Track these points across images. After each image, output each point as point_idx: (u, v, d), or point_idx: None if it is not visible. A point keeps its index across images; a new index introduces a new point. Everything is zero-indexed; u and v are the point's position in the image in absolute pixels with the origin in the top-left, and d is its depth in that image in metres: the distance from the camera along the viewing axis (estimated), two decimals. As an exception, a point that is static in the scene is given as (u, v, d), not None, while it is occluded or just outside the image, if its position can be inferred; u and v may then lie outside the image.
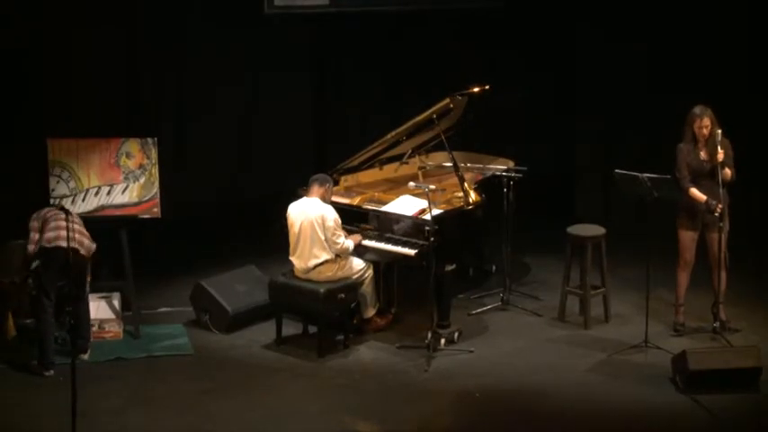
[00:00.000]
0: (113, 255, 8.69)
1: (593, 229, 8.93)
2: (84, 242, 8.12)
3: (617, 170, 8.29)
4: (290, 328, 8.70)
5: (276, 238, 8.75)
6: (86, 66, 9.99)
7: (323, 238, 8.34)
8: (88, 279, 8.25)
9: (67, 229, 7.56)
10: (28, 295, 8.43)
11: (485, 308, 9.22)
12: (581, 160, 11.23)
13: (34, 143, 8.97)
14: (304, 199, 8.50)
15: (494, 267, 9.75)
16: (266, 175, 10.67)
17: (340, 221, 8.40)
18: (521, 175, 9.02)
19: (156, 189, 8.81)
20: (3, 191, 9.46)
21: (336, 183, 8.87)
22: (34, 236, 8.10)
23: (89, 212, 8.66)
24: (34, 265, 8.02)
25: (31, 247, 8.06)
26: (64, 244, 7.72)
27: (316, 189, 8.42)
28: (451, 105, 8.80)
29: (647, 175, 8.07)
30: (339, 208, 8.52)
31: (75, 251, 7.91)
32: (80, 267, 8.02)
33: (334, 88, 11.05)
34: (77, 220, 8.18)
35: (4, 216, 8.87)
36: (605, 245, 8.85)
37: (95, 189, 8.78)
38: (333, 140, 10.95)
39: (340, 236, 8.37)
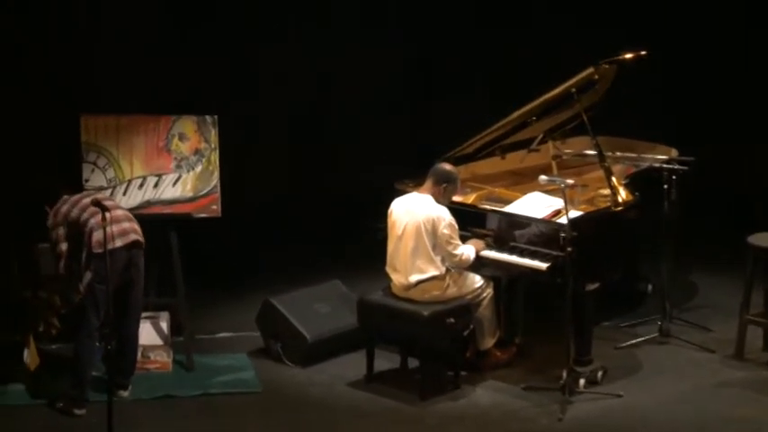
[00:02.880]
0: (161, 264, 8.40)
1: (783, 239, 8.52)
2: (136, 228, 7.79)
3: None
4: (385, 360, 8.35)
5: (369, 245, 8.46)
6: (134, 29, 9.91)
7: (430, 246, 7.90)
8: None
9: (104, 228, 7.04)
10: (56, 314, 8.18)
11: (637, 339, 8.77)
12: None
13: (65, 121, 8.77)
14: (413, 194, 8.09)
15: (650, 287, 9.38)
16: (354, 167, 10.49)
17: (457, 227, 7.96)
18: (686, 168, 8.53)
19: (215, 181, 8.51)
20: (28, 181, 8.84)
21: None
22: (62, 247, 7.64)
23: (132, 210, 8.27)
24: (86, 279, 7.60)
25: (61, 264, 7.65)
26: (122, 242, 7.51)
27: (429, 185, 8.01)
28: (596, 76, 8.41)
29: None
30: (449, 207, 8.10)
31: (135, 244, 7.61)
32: (140, 265, 7.73)
33: (436, 61, 10.92)
34: (111, 203, 7.77)
35: (29, 213, 8.33)
36: (799, 260, 8.45)
37: (140, 180, 8.49)
38: (437, 124, 10.63)
39: (458, 245, 7.93)
